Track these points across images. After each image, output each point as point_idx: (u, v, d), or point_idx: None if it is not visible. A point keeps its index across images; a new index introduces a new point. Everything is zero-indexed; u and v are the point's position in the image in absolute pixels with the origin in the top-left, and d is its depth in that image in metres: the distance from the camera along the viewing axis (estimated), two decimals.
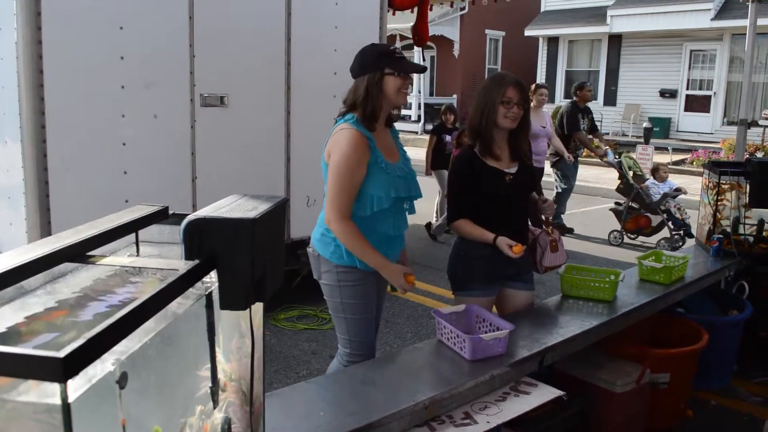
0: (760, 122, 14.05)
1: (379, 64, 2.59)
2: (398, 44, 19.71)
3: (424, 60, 20.97)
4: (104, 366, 0.84)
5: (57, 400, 0.75)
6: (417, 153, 16.31)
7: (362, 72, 2.61)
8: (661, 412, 3.24)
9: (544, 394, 2.34)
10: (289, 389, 2.29)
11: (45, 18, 3.69)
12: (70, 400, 0.75)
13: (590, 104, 8.77)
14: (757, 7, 5.56)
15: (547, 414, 2.57)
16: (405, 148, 2.96)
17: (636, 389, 3.00)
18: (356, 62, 2.65)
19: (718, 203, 4.10)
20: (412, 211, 2.84)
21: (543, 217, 3.12)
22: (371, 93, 2.59)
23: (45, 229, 3.80)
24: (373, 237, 2.63)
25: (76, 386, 0.77)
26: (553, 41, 19.53)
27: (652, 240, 7.57)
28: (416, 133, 19.46)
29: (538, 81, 19.63)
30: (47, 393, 0.76)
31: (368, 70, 2.60)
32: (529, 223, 3.17)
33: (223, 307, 1.22)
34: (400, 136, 2.99)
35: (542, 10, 19.93)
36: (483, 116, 2.84)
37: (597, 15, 18.03)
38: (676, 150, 14.80)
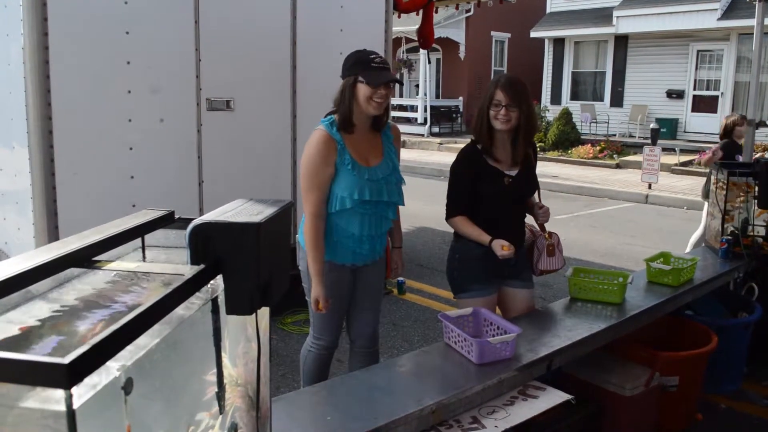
0: None
1: (353, 70, 2.69)
2: (404, 47, 19.75)
3: (429, 62, 21.01)
4: (109, 372, 0.83)
5: (62, 407, 0.74)
6: (422, 156, 16.34)
7: (342, 75, 2.74)
8: (671, 416, 3.22)
9: (552, 397, 2.32)
10: (296, 394, 2.29)
11: (51, 24, 3.70)
12: (75, 406, 0.75)
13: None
14: (764, 7, 5.52)
15: (555, 418, 2.56)
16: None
17: (645, 393, 2.98)
18: (342, 64, 2.78)
19: (727, 204, 4.08)
20: (393, 215, 2.91)
21: (538, 223, 3.13)
22: (345, 97, 2.71)
23: (52, 233, 3.81)
24: (337, 234, 2.77)
25: (81, 392, 0.76)
26: (558, 42, 19.49)
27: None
28: (422, 135, 19.47)
29: (544, 82, 19.68)
30: (52, 399, 0.75)
31: (345, 74, 2.73)
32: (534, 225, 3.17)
33: (229, 312, 1.21)
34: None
35: (548, 11, 19.90)
36: (480, 119, 2.88)
37: (603, 16, 17.99)
38: (683, 151, 14.74)
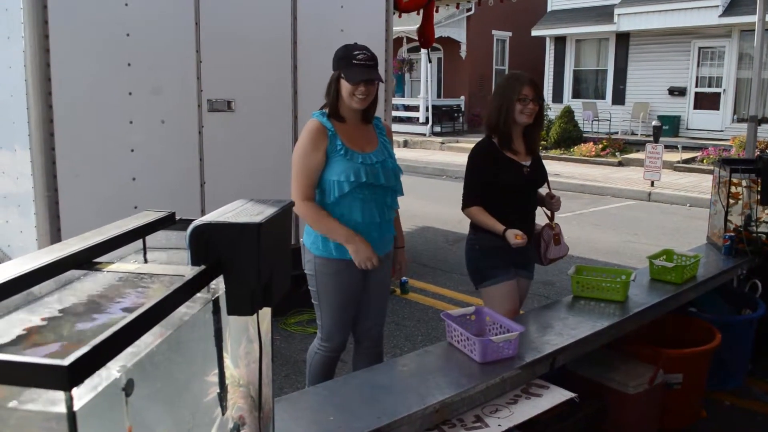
0: None
1: (338, 65, 2.76)
2: (405, 46, 19.72)
3: (430, 62, 20.99)
4: (110, 373, 0.83)
5: (62, 409, 0.74)
6: (424, 155, 16.34)
7: (333, 68, 2.80)
8: (675, 413, 3.21)
9: (555, 396, 2.32)
10: (299, 394, 2.29)
11: (52, 26, 3.71)
12: (76, 408, 0.75)
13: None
14: (766, 3, 5.51)
15: (559, 416, 2.55)
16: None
17: (649, 390, 2.97)
18: (333, 56, 2.82)
19: (730, 201, 4.06)
20: (393, 203, 2.91)
21: (549, 212, 3.30)
22: (331, 90, 2.79)
23: (55, 236, 3.82)
24: (342, 223, 2.75)
25: (82, 394, 0.76)
26: (560, 41, 19.47)
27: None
28: (424, 135, 19.45)
29: (545, 80, 19.66)
30: (53, 401, 0.75)
31: (333, 67, 2.79)
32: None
33: (230, 312, 1.21)
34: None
35: (549, 9, 19.87)
36: (501, 114, 3.02)
37: (604, 14, 17.96)
38: (686, 148, 14.71)
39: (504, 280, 3.09)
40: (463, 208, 3.11)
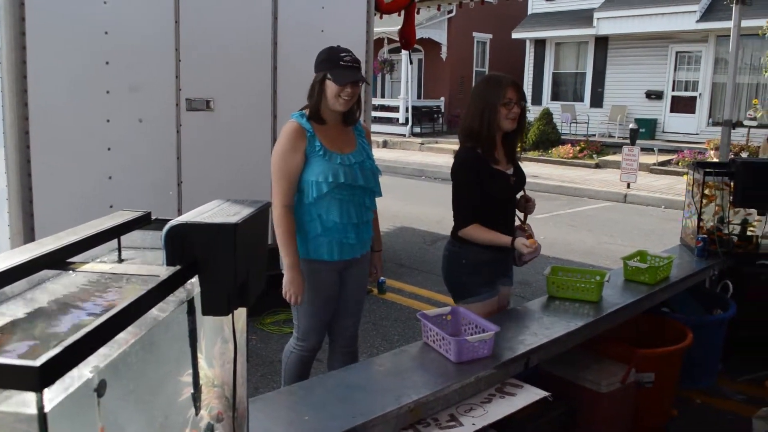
0: (745, 122, 14.18)
1: (322, 67, 2.76)
2: (386, 47, 19.73)
3: (411, 63, 21.02)
4: (82, 374, 0.83)
5: (33, 410, 0.74)
6: (404, 156, 16.37)
7: (315, 70, 2.79)
8: (647, 412, 3.26)
9: (529, 395, 2.35)
10: (274, 394, 2.29)
11: (29, 23, 3.67)
12: (47, 409, 0.75)
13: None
14: (741, 9, 5.62)
15: (532, 415, 2.58)
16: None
17: (621, 389, 3.01)
18: (315, 59, 2.82)
19: (703, 203, 4.13)
20: (371, 204, 2.93)
21: (521, 215, 3.17)
22: (314, 92, 2.78)
23: (28, 235, 3.77)
24: (321, 226, 2.77)
25: (53, 395, 0.77)
26: (540, 43, 19.63)
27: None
28: (404, 135, 19.49)
29: (525, 82, 19.79)
30: (24, 402, 0.75)
31: (316, 69, 2.78)
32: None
33: (205, 312, 1.21)
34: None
35: (529, 12, 20.02)
36: (483, 119, 2.82)
37: (583, 17, 18.14)
38: (662, 151, 14.92)
39: (488, 297, 2.97)
40: (460, 229, 2.92)
